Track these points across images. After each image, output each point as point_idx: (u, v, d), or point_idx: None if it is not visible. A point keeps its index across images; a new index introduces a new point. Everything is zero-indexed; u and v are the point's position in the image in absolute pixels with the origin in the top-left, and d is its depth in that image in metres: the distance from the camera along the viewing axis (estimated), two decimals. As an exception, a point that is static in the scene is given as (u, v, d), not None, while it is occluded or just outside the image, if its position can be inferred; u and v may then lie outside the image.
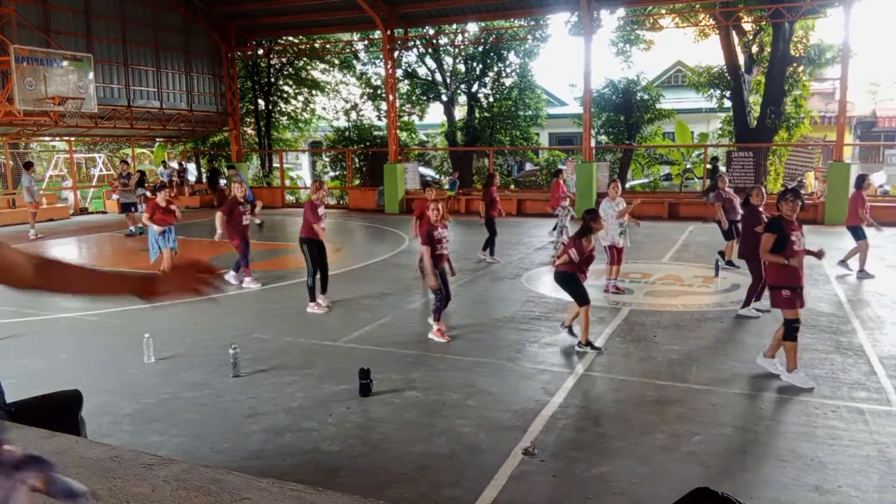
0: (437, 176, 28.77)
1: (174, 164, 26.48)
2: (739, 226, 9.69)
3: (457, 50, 25.93)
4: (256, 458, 4.50)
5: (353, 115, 29.47)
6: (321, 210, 8.69)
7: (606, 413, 5.21)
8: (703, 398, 5.48)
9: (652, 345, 6.90)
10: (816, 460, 4.34)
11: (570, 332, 7.01)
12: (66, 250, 14.44)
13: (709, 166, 20.40)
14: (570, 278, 6.74)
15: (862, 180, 10.38)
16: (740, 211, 9.96)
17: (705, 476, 4.11)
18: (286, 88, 29.05)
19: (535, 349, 6.82)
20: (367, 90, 28.87)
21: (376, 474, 4.26)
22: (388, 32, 20.40)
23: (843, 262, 10.33)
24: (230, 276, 9.92)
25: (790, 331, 5.67)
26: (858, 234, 10.11)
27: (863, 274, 10.03)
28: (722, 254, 10.73)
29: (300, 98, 29.80)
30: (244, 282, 9.87)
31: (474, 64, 26.25)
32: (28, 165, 16.80)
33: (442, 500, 3.94)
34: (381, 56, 22.95)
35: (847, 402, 5.32)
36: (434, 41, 24.59)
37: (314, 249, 8.57)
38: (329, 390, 5.69)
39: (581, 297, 6.69)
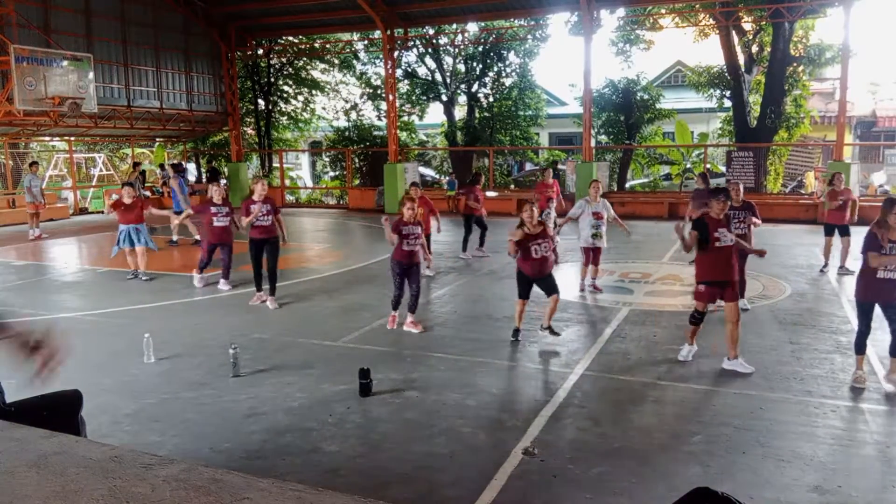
0: (437, 175, 28.78)
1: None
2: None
3: (457, 50, 25.93)
4: (256, 458, 4.50)
5: (353, 115, 29.48)
6: (256, 207, 8.50)
7: (606, 413, 5.21)
8: (703, 398, 5.48)
9: (652, 345, 6.90)
10: (816, 460, 4.34)
11: (552, 331, 7.03)
12: (65, 250, 14.44)
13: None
14: (517, 273, 7.08)
15: (831, 178, 10.53)
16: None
17: (705, 476, 4.11)
18: (286, 88, 29.05)
19: (535, 349, 6.83)
20: (367, 90, 28.88)
21: (376, 474, 4.26)
22: (388, 32, 20.40)
23: (842, 267, 10.34)
24: (221, 284, 9.80)
25: (692, 316, 6.31)
26: (833, 232, 10.35)
27: (826, 269, 10.32)
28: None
29: (300, 98, 29.80)
30: (195, 278, 9.86)
31: (474, 64, 26.25)
32: (31, 164, 16.85)
33: (442, 500, 3.94)
34: (381, 56, 22.95)
35: (847, 402, 5.33)
36: (434, 41, 24.59)
37: (252, 247, 8.66)
38: (329, 390, 5.69)
39: (519, 292, 7.03)
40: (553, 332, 7.01)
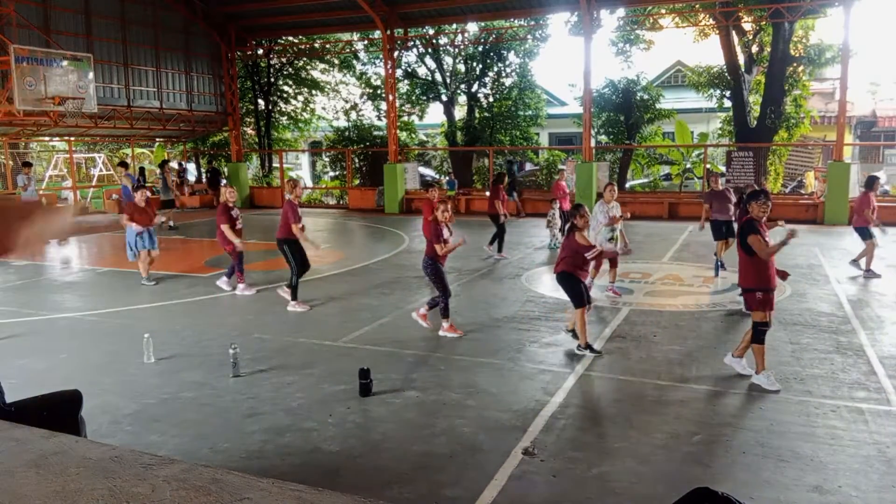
0: (437, 176, 28.78)
1: (174, 164, 26.47)
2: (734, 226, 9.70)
3: (457, 50, 25.92)
4: (256, 458, 4.50)
5: (353, 115, 29.48)
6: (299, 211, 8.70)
7: (606, 413, 5.21)
8: (703, 398, 5.48)
9: (652, 345, 6.90)
10: (816, 460, 4.34)
11: (574, 335, 6.88)
12: (65, 250, 14.43)
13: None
14: (570, 278, 6.70)
15: (872, 182, 10.37)
16: (731, 210, 10.05)
17: (705, 476, 4.11)
18: (286, 88, 29.05)
19: (535, 349, 6.82)
20: (367, 90, 28.87)
21: (376, 474, 4.26)
22: (388, 32, 20.40)
23: (855, 262, 10.24)
24: (221, 281, 9.72)
25: (757, 333, 5.72)
26: (865, 235, 10.12)
27: (869, 274, 10.05)
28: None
29: (300, 98, 29.80)
30: (238, 288, 9.53)
31: (474, 64, 26.24)
32: (24, 165, 16.88)
33: (442, 500, 3.94)
34: (381, 56, 22.95)
35: (847, 402, 5.33)
36: (434, 41, 24.58)
37: (295, 249, 8.59)
38: (329, 390, 5.69)
39: (579, 299, 6.63)
40: (575, 336, 6.78)
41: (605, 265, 9.15)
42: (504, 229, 12.20)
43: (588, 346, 6.59)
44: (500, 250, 12.19)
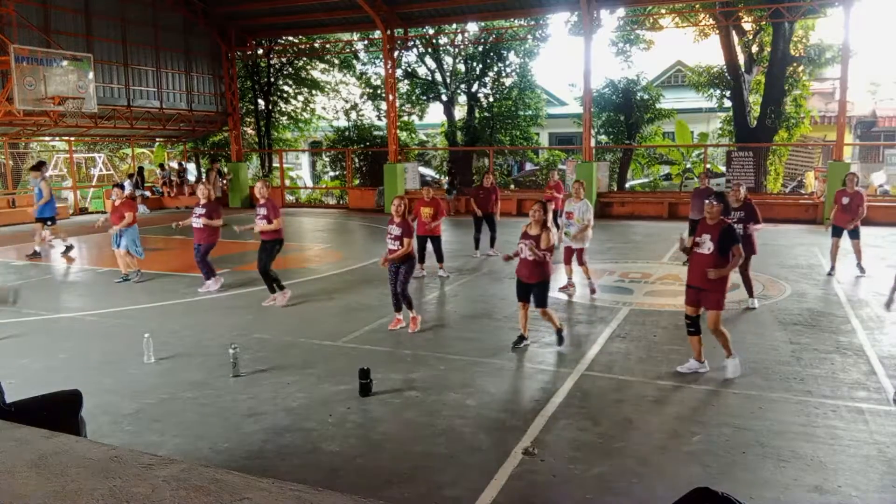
0: (437, 175, 28.78)
1: (174, 164, 26.49)
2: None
3: (457, 50, 25.92)
4: (256, 458, 4.50)
5: (353, 115, 29.48)
6: (260, 210, 8.68)
7: (606, 413, 5.20)
8: (703, 398, 5.48)
9: (652, 345, 6.90)
10: (816, 460, 4.34)
11: (560, 336, 6.87)
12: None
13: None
14: None
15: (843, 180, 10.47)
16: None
17: (705, 476, 4.11)
18: (286, 88, 29.05)
19: (535, 349, 6.82)
20: (367, 90, 28.87)
21: (376, 474, 4.26)
22: (388, 32, 20.40)
23: (858, 266, 10.20)
24: (210, 283, 9.67)
25: (685, 323, 6.05)
26: (833, 232, 10.21)
27: (832, 271, 10.18)
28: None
29: (300, 98, 29.80)
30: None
31: (474, 64, 26.24)
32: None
33: (442, 500, 3.94)
34: (381, 56, 22.95)
35: (847, 402, 5.32)
36: (434, 41, 24.58)
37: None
38: (329, 390, 5.69)
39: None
40: (558, 339, 6.84)
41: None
42: (478, 228, 12.22)
43: (520, 337, 6.89)
44: (476, 248, 12.29)
